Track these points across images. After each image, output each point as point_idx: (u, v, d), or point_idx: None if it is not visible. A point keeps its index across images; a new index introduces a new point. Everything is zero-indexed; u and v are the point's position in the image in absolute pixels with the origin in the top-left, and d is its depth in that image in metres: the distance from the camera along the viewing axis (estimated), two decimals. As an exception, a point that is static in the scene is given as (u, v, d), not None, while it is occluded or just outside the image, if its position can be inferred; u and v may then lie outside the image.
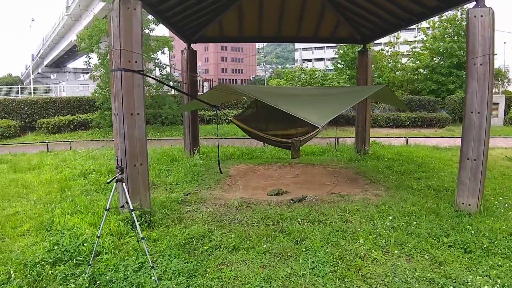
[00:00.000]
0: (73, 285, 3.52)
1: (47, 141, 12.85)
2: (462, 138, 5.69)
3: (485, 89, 5.38)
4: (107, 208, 3.70)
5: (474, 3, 5.51)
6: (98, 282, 3.59)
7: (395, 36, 26.73)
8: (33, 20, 38.81)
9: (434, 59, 24.89)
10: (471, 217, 5.35)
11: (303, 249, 4.33)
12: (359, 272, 3.91)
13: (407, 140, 14.03)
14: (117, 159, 3.74)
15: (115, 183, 3.68)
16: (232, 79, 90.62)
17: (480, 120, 5.44)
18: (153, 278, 3.58)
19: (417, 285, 3.67)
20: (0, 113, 17.81)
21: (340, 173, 8.78)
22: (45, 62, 52.51)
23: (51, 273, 3.74)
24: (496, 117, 20.06)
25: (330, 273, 3.83)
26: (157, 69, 18.90)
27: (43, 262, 3.88)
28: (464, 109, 5.67)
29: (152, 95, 18.12)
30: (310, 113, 5.08)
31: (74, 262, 3.94)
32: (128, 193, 4.99)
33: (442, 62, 24.11)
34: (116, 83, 4.90)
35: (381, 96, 8.10)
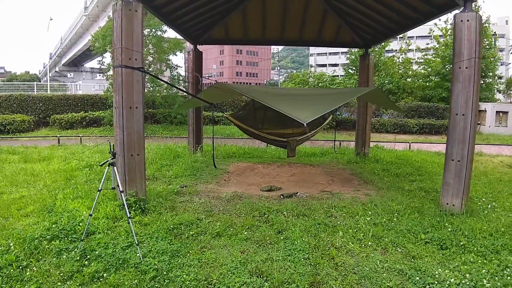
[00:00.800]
0: (65, 257, 3.89)
1: (58, 136, 13.44)
2: (447, 139, 5.86)
3: (470, 92, 5.51)
4: (99, 189, 4.06)
5: (462, 8, 5.68)
6: (88, 256, 3.94)
7: (406, 43, 26.73)
8: (51, 19, 40.05)
9: (446, 66, 24.77)
10: (454, 217, 5.50)
11: (282, 238, 4.59)
12: (332, 260, 4.13)
13: (409, 145, 14.09)
14: (110, 144, 4.09)
15: (107, 167, 4.03)
16: (247, 82, 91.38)
17: (465, 122, 5.58)
18: (138, 255, 3.91)
19: (384, 275, 3.86)
20: (15, 108, 18.60)
21: (336, 174, 8.98)
22: (63, 61, 54.15)
23: (47, 247, 4.13)
24: (506, 126, 19.87)
25: (303, 260, 4.07)
26: (168, 69, 19.44)
27: (41, 238, 4.28)
28: (449, 111, 5.84)
29: (162, 95, 18.65)
30: (298, 111, 5.35)
31: (69, 239, 4.33)
32: (125, 181, 5.42)
33: (453, 69, 23.94)
34: (117, 78, 5.29)
35: (374, 98, 8.28)
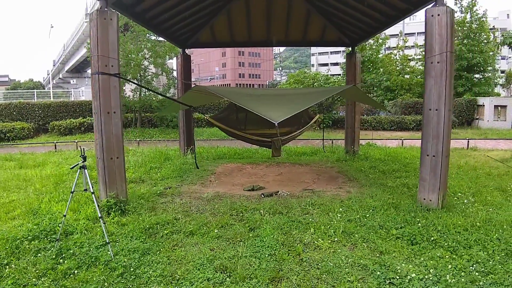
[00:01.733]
0: (42, 256, 4.11)
1: (55, 142, 13.73)
2: (422, 135, 5.92)
3: (442, 86, 5.54)
4: (72, 191, 4.26)
5: (433, 3, 5.70)
6: (63, 255, 4.14)
7: (403, 40, 26.71)
8: (52, 27, 40.73)
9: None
10: (430, 212, 5.55)
11: (253, 235, 4.71)
12: (298, 256, 4.24)
13: (402, 141, 14.12)
14: (81, 148, 4.26)
15: (78, 170, 4.20)
16: (250, 84, 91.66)
17: (438, 116, 5.62)
18: (109, 253, 4.07)
19: (347, 270, 3.93)
20: (15, 116, 18.93)
21: (323, 172, 9.07)
22: (66, 68, 54.87)
23: (28, 247, 4.34)
24: (504, 120, 19.75)
25: (269, 256, 4.18)
26: (164, 74, 19.69)
27: (22, 238, 4.51)
28: (423, 106, 5.90)
29: (159, 99, 18.90)
30: (270, 111, 5.48)
31: (48, 239, 4.55)
32: (106, 184, 5.60)
33: (451, 65, 23.90)
34: (95, 85, 5.47)
35: (352, 96, 8.35)
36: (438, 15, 5.52)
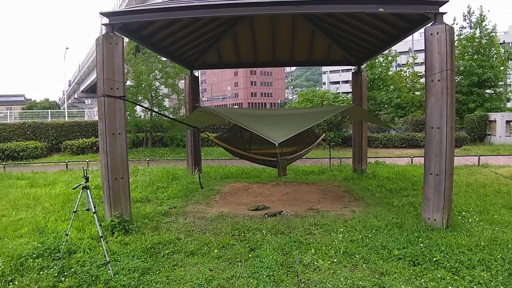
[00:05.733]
0: (44, 274, 4.21)
1: (66, 161, 14.06)
2: (424, 153, 5.88)
3: (443, 104, 5.53)
4: (75, 210, 4.38)
5: (433, 21, 5.72)
6: (65, 273, 4.23)
7: (413, 56, 26.74)
8: (67, 49, 42.12)
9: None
10: (434, 232, 5.45)
11: (252, 256, 4.70)
12: (297, 277, 4.22)
13: (412, 159, 13.94)
14: (83, 170, 4.39)
15: (81, 190, 4.33)
16: (261, 103, 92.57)
17: (440, 135, 5.59)
18: (109, 272, 4.13)
19: (344, 292, 3.91)
20: (29, 135, 19.33)
21: (329, 191, 9.02)
22: (82, 88, 56.46)
23: (32, 264, 4.46)
24: (520, 136, 19.37)
25: (267, 277, 4.17)
26: (175, 94, 20.10)
27: (27, 256, 4.63)
28: (425, 124, 5.89)
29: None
30: (272, 131, 5.55)
31: (52, 257, 4.65)
32: (110, 203, 5.71)
33: (462, 81, 23.75)
34: (100, 107, 5.67)
35: (356, 115, 8.36)
36: (438, 33, 5.56)
